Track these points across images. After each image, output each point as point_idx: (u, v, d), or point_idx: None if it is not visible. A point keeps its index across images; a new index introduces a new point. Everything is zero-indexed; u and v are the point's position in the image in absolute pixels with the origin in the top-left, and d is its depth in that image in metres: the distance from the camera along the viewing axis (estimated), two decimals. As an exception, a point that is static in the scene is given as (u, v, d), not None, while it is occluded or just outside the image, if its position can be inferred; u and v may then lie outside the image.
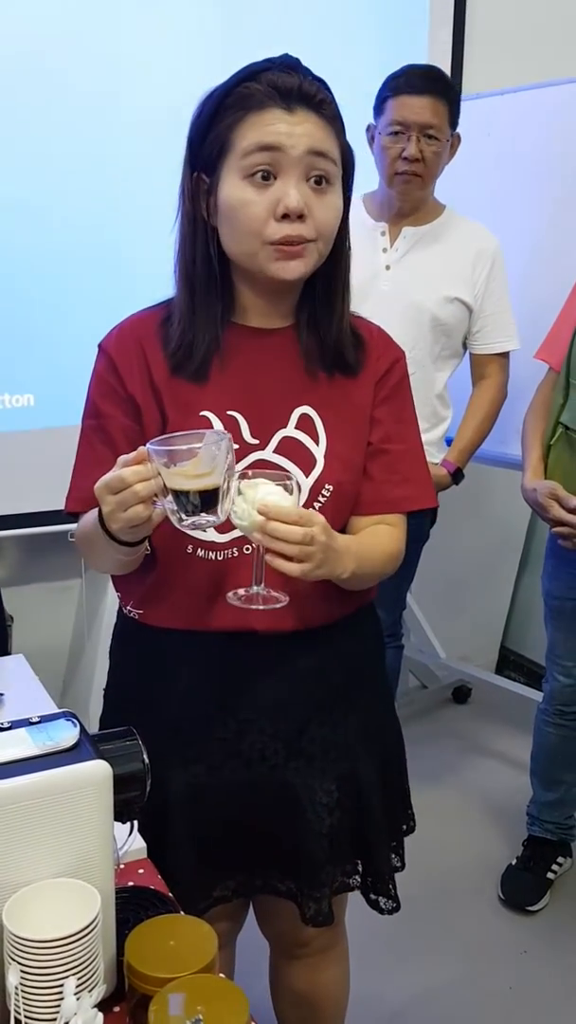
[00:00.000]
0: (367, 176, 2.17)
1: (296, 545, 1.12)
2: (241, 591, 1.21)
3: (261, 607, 1.19)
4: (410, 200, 2.30)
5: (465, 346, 2.42)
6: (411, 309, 2.28)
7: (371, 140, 2.30)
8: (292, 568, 1.13)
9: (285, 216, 1.18)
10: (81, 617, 2.84)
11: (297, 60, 1.22)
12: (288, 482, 1.15)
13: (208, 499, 1.10)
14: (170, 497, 1.10)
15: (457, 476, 2.44)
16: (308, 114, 1.18)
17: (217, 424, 1.27)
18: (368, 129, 2.30)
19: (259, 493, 1.13)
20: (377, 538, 1.34)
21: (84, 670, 2.85)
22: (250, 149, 1.18)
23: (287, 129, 1.17)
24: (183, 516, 1.11)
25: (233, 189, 1.20)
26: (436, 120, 2.20)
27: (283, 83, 1.17)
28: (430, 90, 2.20)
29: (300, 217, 1.19)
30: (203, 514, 1.10)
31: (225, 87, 1.21)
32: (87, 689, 2.79)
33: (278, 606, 1.20)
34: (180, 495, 1.10)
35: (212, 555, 1.28)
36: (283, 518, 1.11)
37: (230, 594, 1.22)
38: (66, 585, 2.83)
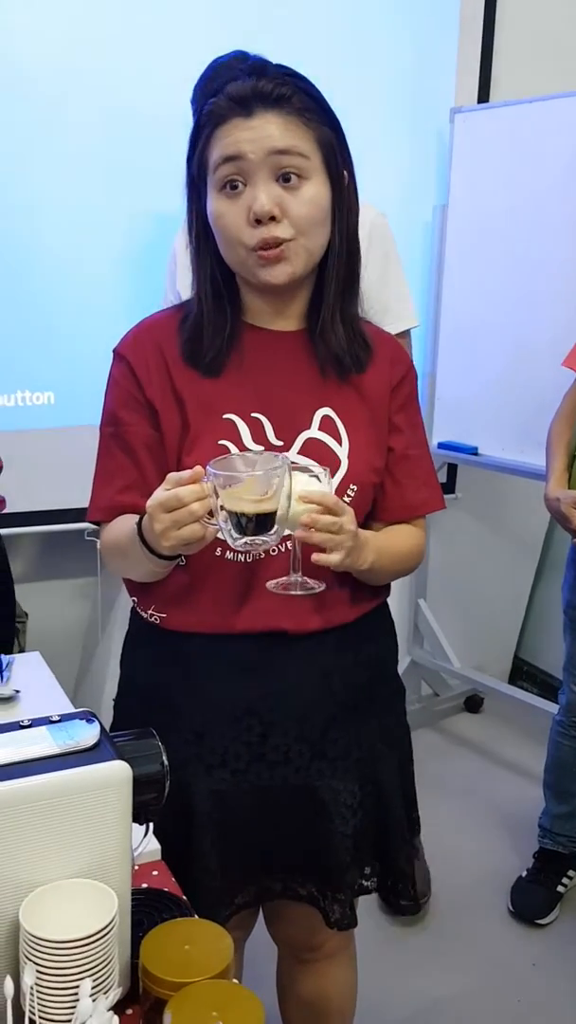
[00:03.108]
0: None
1: (331, 534, 1.15)
2: (281, 579, 1.23)
3: (300, 593, 1.22)
4: None
5: None
6: None
7: None
8: (328, 559, 1.17)
9: (258, 221, 1.19)
10: (96, 615, 2.84)
11: (264, 61, 1.23)
12: (319, 471, 1.18)
13: (264, 521, 1.11)
14: (225, 516, 1.11)
15: None
16: (268, 114, 1.19)
17: (243, 427, 1.27)
18: None
19: (296, 484, 1.14)
20: (398, 535, 1.37)
21: (98, 668, 2.85)
22: (218, 162, 1.20)
23: (247, 135, 1.18)
24: (238, 536, 1.11)
25: (212, 203, 1.22)
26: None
27: (238, 91, 1.19)
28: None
29: (273, 219, 1.19)
30: (261, 535, 1.11)
31: (198, 109, 1.24)
32: (100, 687, 2.80)
33: (316, 591, 1.23)
34: (239, 516, 1.10)
35: (240, 557, 1.27)
36: (325, 504, 1.14)
37: (270, 583, 1.24)
38: (82, 583, 2.84)
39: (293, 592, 1.22)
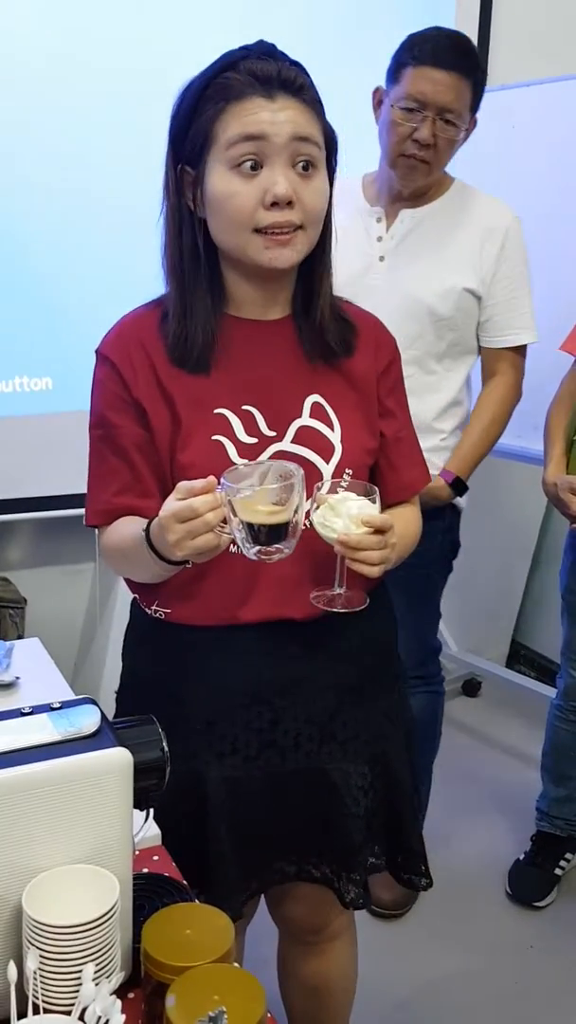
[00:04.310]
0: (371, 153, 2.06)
1: (381, 552, 1.20)
2: (325, 592, 1.27)
3: (341, 610, 1.26)
4: (412, 186, 2.01)
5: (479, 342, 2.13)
6: (406, 303, 2.01)
7: (377, 105, 2.00)
8: (373, 571, 1.21)
9: (274, 204, 1.18)
10: (94, 601, 2.85)
11: (273, 46, 1.22)
12: (374, 495, 1.23)
13: (278, 530, 1.13)
14: (240, 526, 1.12)
15: (457, 485, 2.12)
16: (289, 100, 1.18)
17: (235, 421, 1.27)
18: (376, 92, 2.00)
19: (352, 509, 1.19)
20: (404, 520, 1.38)
21: (96, 654, 2.86)
22: (234, 140, 1.18)
23: (270, 117, 1.17)
24: (251, 545, 1.13)
25: (220, 181, 1.20)
26: (458, 103, 1.91)
27: (262, 70, 1.17)
28: (457, 66, 1.89)
29: (289, 204, 1.19)
30: (276, 544, 1.13)
31: (203, 78, 1.20)
32: (98, 672, 2.80)
33: (359, 608, 1.27)
34: (253, 526, 1.12)
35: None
36: (384, 527, 1.20)
37: (313, 595, 1.27)
38: (79, 568, 2.84)
39: (335, 608, 1.26)
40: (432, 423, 2.09)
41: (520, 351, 2.14)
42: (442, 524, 2.17)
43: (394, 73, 1.96)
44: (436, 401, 2.09)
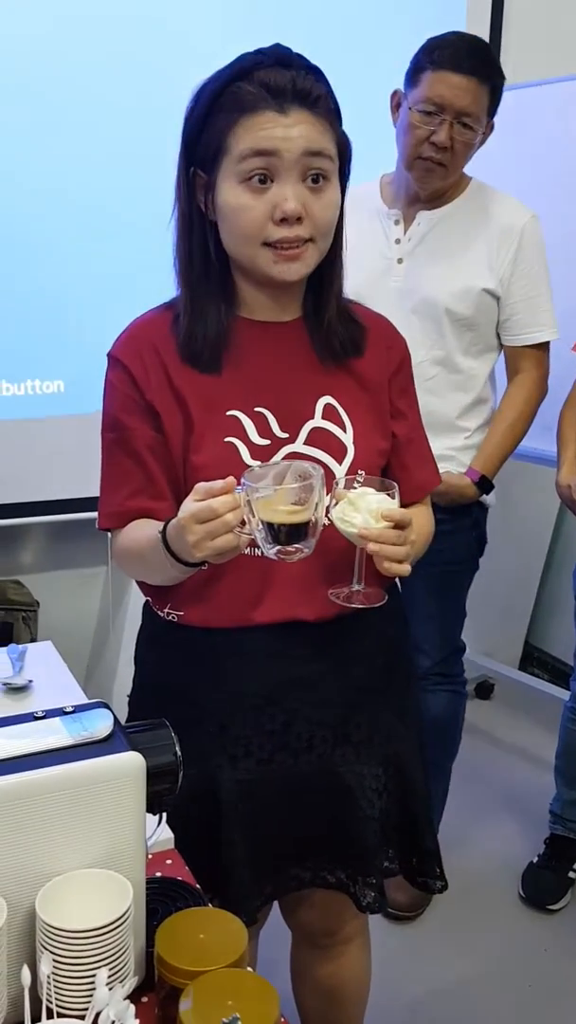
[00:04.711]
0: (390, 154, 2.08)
1: (402, 548, 1.19)
2: (343, 589, 1.27)
3: (361, 605, 1.26)
4: (429, 189, 2.04)
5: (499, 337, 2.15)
6: (425, 305, 2.04)
7: (395, 108, 2.02)
8: (401, 569, 1.21)
9: (283, 220, 1.18)
10: (106, 604, 2.85)
11: (289, 51, 1.20)
12: (393, 490, 1.22)
13: (298, 530, 1.13)
14: (260, 526, 1.12)
15: (484, 484, 2.14)
16: (302, 113, 1.17)
17: (247, 423, 1.27)
18: (394, 95, 2.03)
19: (372, 503, 1.18)
20: (418, 520, 1.36)
21: (108, 657, 2.86)
22: (245, 154, 1.17)
23: (282, 133, 1.16)
24: (271, 545, 1.13)
25: (230, 194, 1.20)
26: (475, 107, 1.94)
27: (275, 82, 1.16)
28: (476, 71, 1.92)
29: (299, 219, 1.19)
30: (296, 544, 1.13)
31: (217, 84, 1.19)
32: (111, 676, 2.81)
33: (378, 604, 1.26)
34: (273, 526, 1.12)
35: (258, 551, 1.27)
36: (404, 522, 1.19)
37: (331, 592, 1.27)
38: (92, 572, 2.84)
39: (354, 604, 1.26)
40: (456, 421, 2.12)
41: (543, 348, 2.15)
42: (469, 520, 2.19)
43: (412, 76, 1.98)
44: (460, 400, 2.12)
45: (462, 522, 2.16)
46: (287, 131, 1.16)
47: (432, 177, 2.01)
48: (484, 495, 2.16)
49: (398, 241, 2.09)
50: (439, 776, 2.34)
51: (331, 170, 1.21)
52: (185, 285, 1.28)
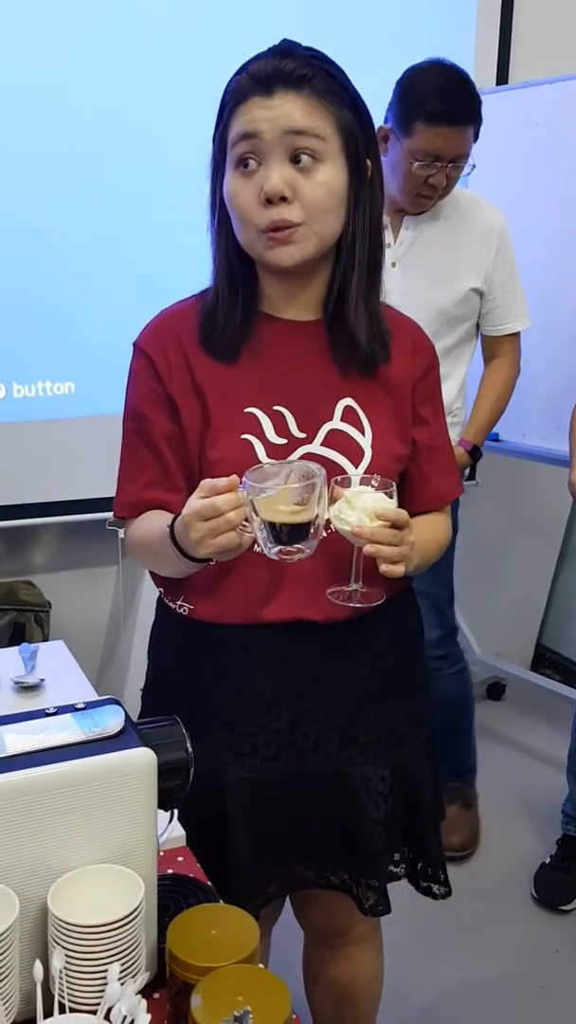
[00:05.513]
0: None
1: (398, 548, 1.18)
2: (342, 588, 1.26)
3: (360, 605, 1.25)
4: (421, 211, 2.20)
5: (478, 328, 2.34)
6: (422, 305, 2.10)
7: (383, 139, 2.10)
8: (396, 570, 1.19)
9: (269, 201, 1.18)
10: (117, 603, 2.86)
11: (290, 43, 1.22)
12: (391, 489, 1.21)
13: (300, 530, 1.12)
14: (262, 525, 1.12)
15: (475, 453, 2.39)
16: (288, 94, 1.17)
17: (265, 421, 1.27)
18: (379, 130, 2.09)
19: (367, 502, 1.18)
20: (430, 527, 1.37)
21: (119, 657, 2.87)
22: (235, 140, 1.20)
23: (264, 114, 1.17)
24: (273, 544, 1.13)
25: (229, 181, 1.22)
26: (467, 147, 2.10)
27: (260, 70, 1.18)
28: (464, 118, 2.06)
29: (284, 199, 1.18)
30: (297, 544, 1.13)
31: (227, 84, 1.22)
32: (122, 676, 2.81)
33: (377, 603, 1.26)
34: (274, 526, 1.12)
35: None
36: (399, 522, 1.18)
37: (330, 592, 1.26)
38: (103, 572, 2.85)
39: (352, 604, 1.25)
40: (452, 405, 2.30)
41: (517, 335, 2.38)
42: None
43: (404, 124, 2.08)
44: (450, 388, 2.28)
45: None
46: (268, 112, 1.17)
47: (427, 204, 2.18)
48: (475, 463, 2.46)
49: (389, 245, 2.19)
50: (468, 745, 2.66)
51: (323, 149, 1.19)
52: (214, 278, 1.29)
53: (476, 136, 2.12)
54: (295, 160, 1.19)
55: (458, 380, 2.32)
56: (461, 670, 2.61)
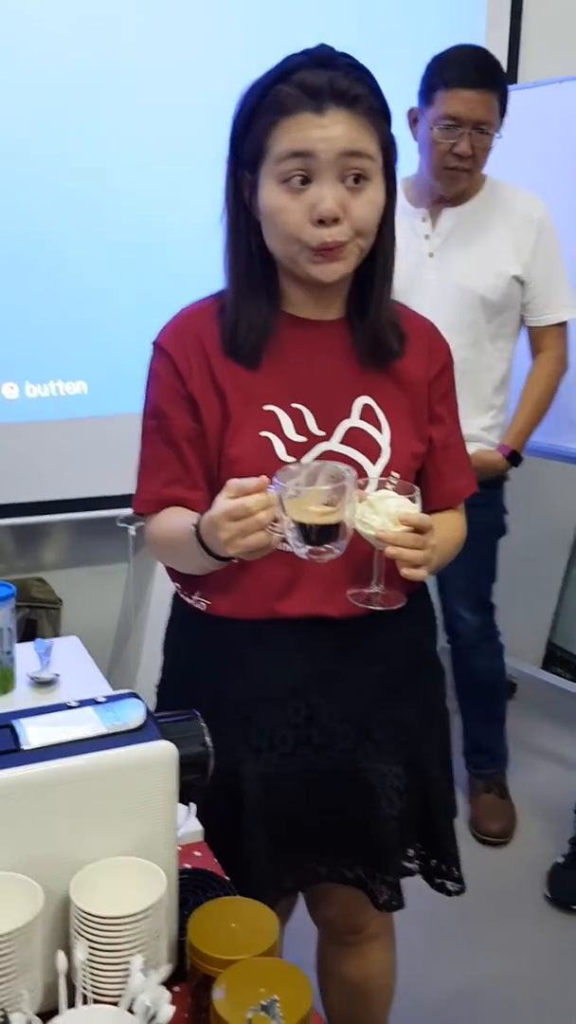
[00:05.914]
0: (406, 159, 2.13)
1: (421, 552, 1.19)
2: (362, 590, 1.27)
3: (380, 607, 1.26)
4: (455, 191, 2.23)
5: (523, 320, 2.34)
6: (459, 294, 2.21)
7: (412, 123, 2.20)
8: (418, 573, 1.20)
9: (321, 221, 1.18)
10: (128, 602, 2.86)
11: (331, 51, 1.20)
12: (415, 494, 1.22)
13: (330, 531, 1.13)
14: (292, 525, 1.12)
15: (514, 459, 2.36)
16: (339, 112, 1.16)
17: (284, 418, 1.28)
18: (410, 112, 2.20)
19: (391, 506, 1.18)
20: (447, 526, 1.37)
21: (130, 653, 2.87)
22: (283, 155, 1.17)
23: (319, 134, 1.16)
24: (302, 544, 1.13)
25: (270, 195, 1.20)
26: (489, 115, 2.12)
27: (312, 83, 1.15)
28: (484, 83, 2.10)
29: (336, 220, 1.18)
30: (327, 545, 1.14)
31: (259, 88, 1.20)
32: (132, 674, 2.81)
33: (396, 607, 1.26)
34: (304, 526, 1.12)
35: (287, 546, 1.27)
36: (422, 526, 1.18)
37: (350, 593, 1.26)
38: (114, 569, 2.85)
39: (372, 606, 1.26)
40: (490, 399, 2.33)
41: (563, 325, 2.34)
42: (500, 491, 2.49)
43: (426, 96, 2.16)
44: (491, 379, 2.31)
45: (495, 494, 2.45)
46: (324, 132, 1.16)
47: (458, 182, 2.20)
48: (513, 467, 2.39)
49: (427, 236, 2.26)
50: (499, 730, 2.73)
51: (372, 169, 1.20)
52: (231, 280, 1.29)
53: (503, 111, 2.15)
54: (347, 180, 1.18)
55: (499, 372, 2.31)
56: (498, 649, 2.66)
